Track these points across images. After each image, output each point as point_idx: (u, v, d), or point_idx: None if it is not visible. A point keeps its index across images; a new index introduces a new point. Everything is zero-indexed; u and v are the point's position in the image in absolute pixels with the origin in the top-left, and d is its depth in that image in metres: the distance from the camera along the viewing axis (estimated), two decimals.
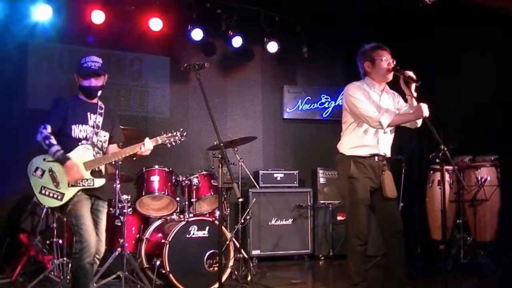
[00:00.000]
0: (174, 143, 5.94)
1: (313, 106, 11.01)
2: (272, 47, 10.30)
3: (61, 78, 8.96)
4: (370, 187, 5.85)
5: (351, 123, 5.96)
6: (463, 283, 7.53)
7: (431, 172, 8.90)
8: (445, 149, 5.54)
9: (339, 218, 9.87)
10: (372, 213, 5.98)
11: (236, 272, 7.55)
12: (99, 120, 5.67)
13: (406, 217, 6.11)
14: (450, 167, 8.14)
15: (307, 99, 10.97)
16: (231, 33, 9.92)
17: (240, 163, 8.15)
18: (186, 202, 7.57)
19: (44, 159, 5.44)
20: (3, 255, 7.89)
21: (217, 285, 5.81)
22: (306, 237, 9.76)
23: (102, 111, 5.72)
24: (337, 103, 10.97)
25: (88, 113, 5.62)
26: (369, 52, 5.95)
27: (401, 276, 5.90)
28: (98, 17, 8.72)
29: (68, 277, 6.83)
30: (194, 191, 7.60)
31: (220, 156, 5.24)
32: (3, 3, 8.05)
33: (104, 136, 5.71)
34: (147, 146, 5.72)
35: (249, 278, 7.55)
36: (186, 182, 7.63)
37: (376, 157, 5.85)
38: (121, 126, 7.13)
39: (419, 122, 5.90)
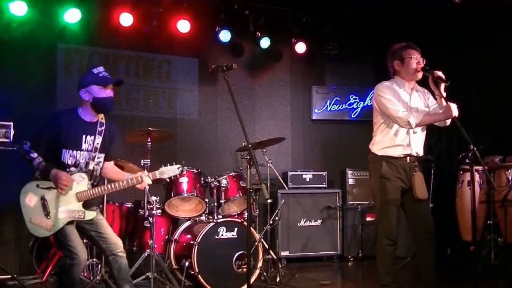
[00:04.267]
0: (173, 178, 5.80)
1: (342, 106, 10.98)
2: (300, 47, 10.31)
3: None
4: (401, 187, 5.81)
5: (382, 123, 5.92)
6: (493, 285, 7.42)
7: (461, 172, 8.82)
8: (475, 149, 5.50)
9: (368, 219, 9.85)
10: (402, 214, 5.94)
11: (265, 273, 7.54)
12: (98, 141, 5.48)
13: (435, 218, 6.03)
14: (480, 167, 8.05)
15: (335, 100, 10.95)
16: (259, 34, 9.93)
17: (268, 164, 8.17)
18: (215, 203, 7.59)
19: (37, 186, 5.28)
20: (34, 256, 7.96)
21: (245, 286, 5.78)
22: (335, 238, 9.72)
23: (103, 128, 5.53)
24: (365, 103, 10.94)
25: (84, 136, 5.43)
26: (399, 50, 5.91)
27: (429, 278, 5.85)
28: (126, 19, 8.77)
29: (97, 277, 6.88)
30: (222, 192, 7.61)
31: (248, 157, 5.24)
32: (33, 7, 8.12)
33: (98, 158, 5.53)
34: (146, 181, 5.53)
35: (278, 279, 7.56)
36: (215, 183, 7.63)
37: (409, 158, 5.80)
38: (149, 128, 7.21)
39: (448, 121, 5.85)
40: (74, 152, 5.38)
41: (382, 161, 5.82)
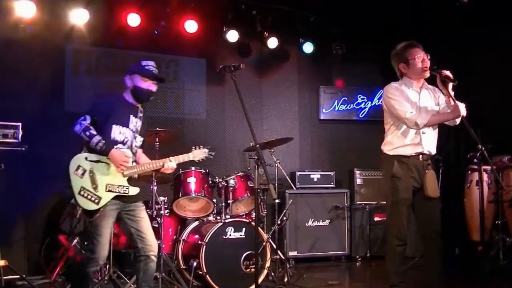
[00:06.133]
0: (201, 160, 5.93)
1: (350, 106, 10.98)
2: (308, 47, 10.32)
3: (99, 80, 9.07)
4: (413, 187, 5.78)
5: (392, 124, 5.91)
6: (502, 285, 7.40)
7: (469, 172, 8.81)
8: (483, 148, 5.49)
9: (376, 219, 9.84)
10: (412, 213, 5.92)
11: (272, 274, 7.55)
12: (139, 124, 5.70)
13: (444, 217, 6.02)
14: (488, 167, 8.04)
15: (343, 100, 10.94)
16: (267, 34, 9.93)
17: (276, 164, 8.16)
18: (223, 204, 7.60)
19: (86, 158, 5.36)
20: (43, 256, 7.99)
21: (253, 286, 5.77)
22: (343, 238, 9.72)
23: (142, 115, 5.74)
24: (373, 103, 10.94)
25: (131, 116, 5.62)
26: (401, 52, 5.89)
27: (436, 278, 5.84)
28: (134, 20, 8.78)
29: (106, 277, 6.89)
30: (230, 193, 7.61)
31: (256, 157, 5.23)
32: (41, 8, 8.15)
33: (140, 141, 5.73)
34: (168, 166, 5.69)
35: (285, 280, 7.56)
36: (223, 183, 7.64)
37: (421, 156, 5.79)
38: (157, 128, 7.28)
39: (458, 120, 5.82)
40: (124, 129, 5.55)
41: (394, 161, 5.81)
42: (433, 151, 5.90)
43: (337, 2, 9.51)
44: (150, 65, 5.66)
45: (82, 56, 9.01)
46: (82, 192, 5.28)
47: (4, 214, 7.18)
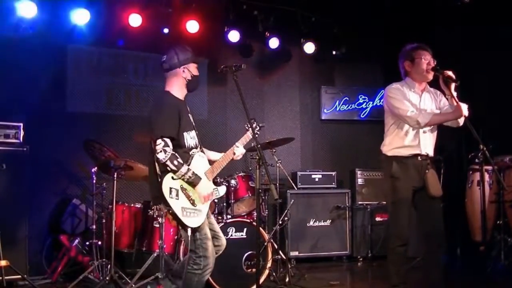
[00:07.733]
0: (257, 134, 5.78)
1: (351, 106, 10.97)
2: (309, 47, 10.28)
3: (100, 81, 9.07)
4: (413, 186, 5.78)
5: (392, 124, 5.92)
6: (503, 285, 7.40)
7: (471, 172, 8.80)
8: (485, 149, 5.48)
9: (377, 219, 9.82)
10: (414, 213, 5.91)
11: (274, 274, 7.56)
12: (193, 119, 5.58)
13: (445, 218, 6.00)
14: (489, 167, 8.04)
15: (344, 100, 10.93)
16: (268, 34, 9.92)
17: (278, 164, 8.15)
18: (224, 204, 7.58)
19: (172, 177, 5.16)
20: (45, 256, 7.99)
21: (255, 286, 5.78)
22: (344, 238, 9.71)
23: (189, 108, 5.58)
24: (375, 103, 10.93)
25: (189, 115, 5.49)
26: (410, 51, 5.91)
27: (436, 278, 5.83)
28: (135, 20, 8.77)
29: (107, 278, 6.87)
30: (232, 193, 7.60)
31: (257, 157, 5.22)
32: (42, 8, 8.15)
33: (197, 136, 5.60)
34: (238, 152, 5.79)
35: (287, 280, 7.56)
36: (224, 183, 7.63)
37: (419, 157, 5.79)
38: None
39: (461, 121, 5.81)
40: (192, 132, 5.44)
41: (393, 161, 5.82)
42: (431, 153, 5.90)
43: (339, 2, 9.51)
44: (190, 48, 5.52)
45: (83, 56, 9.00)
46: (185, 213, 5.13)
47: (6, 214, 7.17)
